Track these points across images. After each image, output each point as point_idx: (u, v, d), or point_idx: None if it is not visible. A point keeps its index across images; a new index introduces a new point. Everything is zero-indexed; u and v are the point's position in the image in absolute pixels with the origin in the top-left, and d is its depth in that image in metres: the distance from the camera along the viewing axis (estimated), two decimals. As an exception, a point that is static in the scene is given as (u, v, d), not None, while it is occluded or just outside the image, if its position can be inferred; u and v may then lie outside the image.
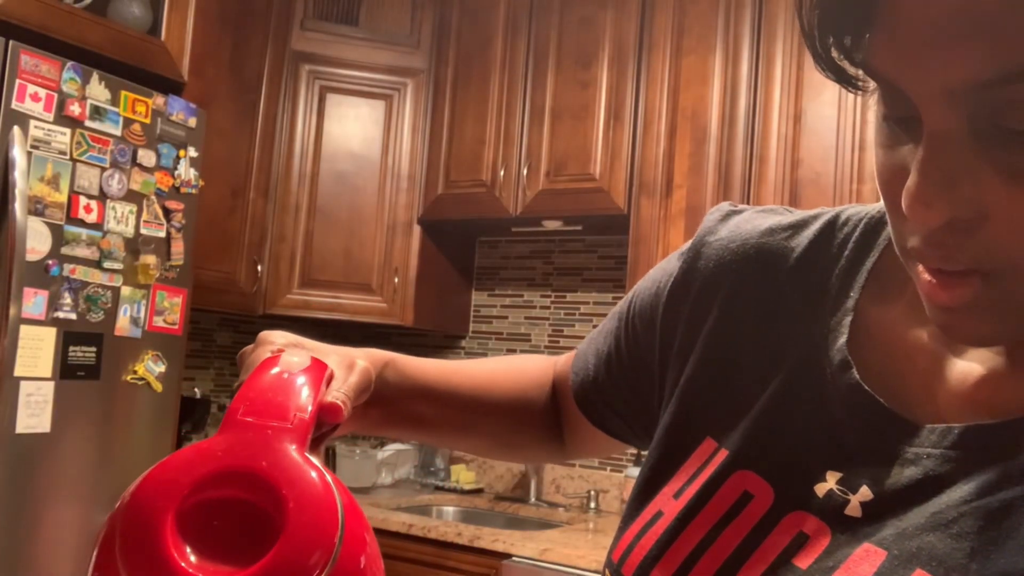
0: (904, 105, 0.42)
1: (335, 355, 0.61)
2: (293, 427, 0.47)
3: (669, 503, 0.57)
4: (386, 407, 0.69)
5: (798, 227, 0.61)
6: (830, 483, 0.50)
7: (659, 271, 0.69)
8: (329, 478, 0.45)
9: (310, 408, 0.50)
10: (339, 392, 0.56)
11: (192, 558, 0.42)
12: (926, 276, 0.44)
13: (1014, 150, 0.39)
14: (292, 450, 0.46)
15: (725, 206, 0.67)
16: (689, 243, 0.66)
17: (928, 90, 0.40)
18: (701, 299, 0.62)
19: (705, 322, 0.61)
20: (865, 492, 0.49)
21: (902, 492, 0.48)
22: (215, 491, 0.44)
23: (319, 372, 0.54)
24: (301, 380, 0.52)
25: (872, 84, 0.44)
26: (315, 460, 0.46)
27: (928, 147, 0.41)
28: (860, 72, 0.44)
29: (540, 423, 0.79)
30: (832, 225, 0.59)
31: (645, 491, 0.59)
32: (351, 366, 0.60)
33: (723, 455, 0.56)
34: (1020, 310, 0.43)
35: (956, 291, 0.43)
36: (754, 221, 0.63)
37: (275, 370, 0.53)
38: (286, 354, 0.55)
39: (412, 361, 0.72)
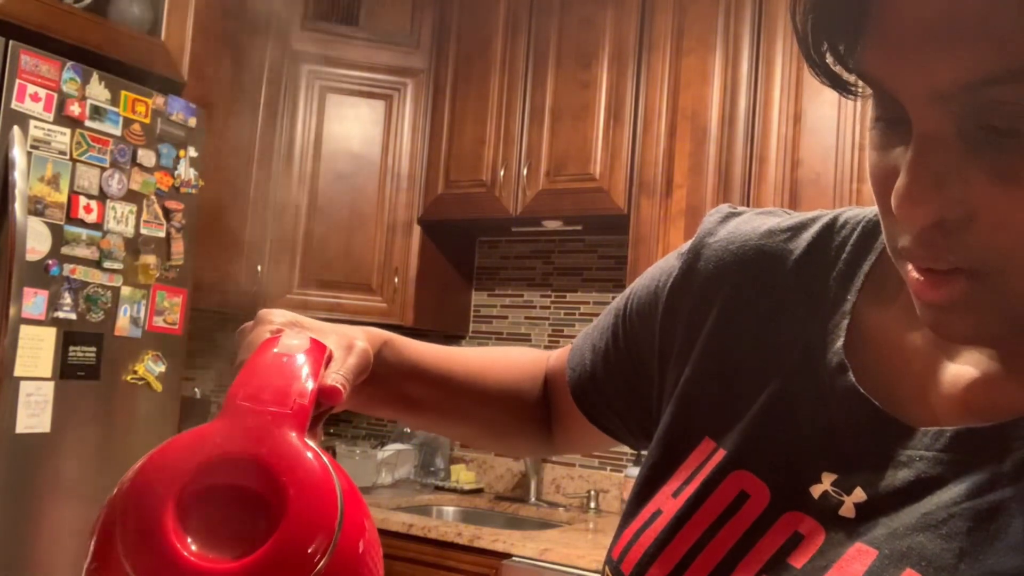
0: (895, 108, 0.43)
1: (334, 335, 0.60)
2: (292, 412, 0.47)
3: (668, 502, 0.57)
4: (380, 386, 0.68)
5: (797, 229, 0.61)
6: (825, 484, 0.51)
7: (657, 269, 0.69)
8: (328, 464, 0.46)
9: (309, 392, 0.50)
10: (338, 375, 0.56)
11: (193, 546, 0.42)
12: (915, 274, 0.45)
13: (1001, 151, 0.40)
14: (291, 436, 0.46)
15: (725, 208, 0.68)
16: (689, 243, 0.67)
17: (916, 92, 0.41)
18: (701, 300, 0.63)
19: (704, 323, 0.62)
20: (859, 493, 0.50)
21: (895, 493, 0.48)
22: (214, 477, 0.44)
23: (319, 354, 0.54)
24: (300, 363, 0.52)
25: (867, 89, 0.45)
26: (314, 445, 0.46)
27: (917, 148, 0.42)
28: (854, 77, 0.45)
29: (530, 415, 0.80)
30: (830, 228, 0.60)
31: (645, 490, 0.60)
32: (350, 347, 0.60)
33: (721, 455, 0.56)
34: (1007, 309, 0.43)
35: (943, 289, 0.44)
36: (753, 223, 0.64)
37: (274, 351, 0.52)
38: (285, 336, 0.55)
39: (410, 343, 0.72)
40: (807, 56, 0.46)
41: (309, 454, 0.45)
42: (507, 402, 0.78)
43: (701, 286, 0.63)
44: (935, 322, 0.45)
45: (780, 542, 0.51)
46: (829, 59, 0.45)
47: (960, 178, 0.41)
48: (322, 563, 0.42)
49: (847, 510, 0.50)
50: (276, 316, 0.61)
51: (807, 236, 0.60)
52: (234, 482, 0.44)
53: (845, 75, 0.46)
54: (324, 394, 0.53)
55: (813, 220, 0.61)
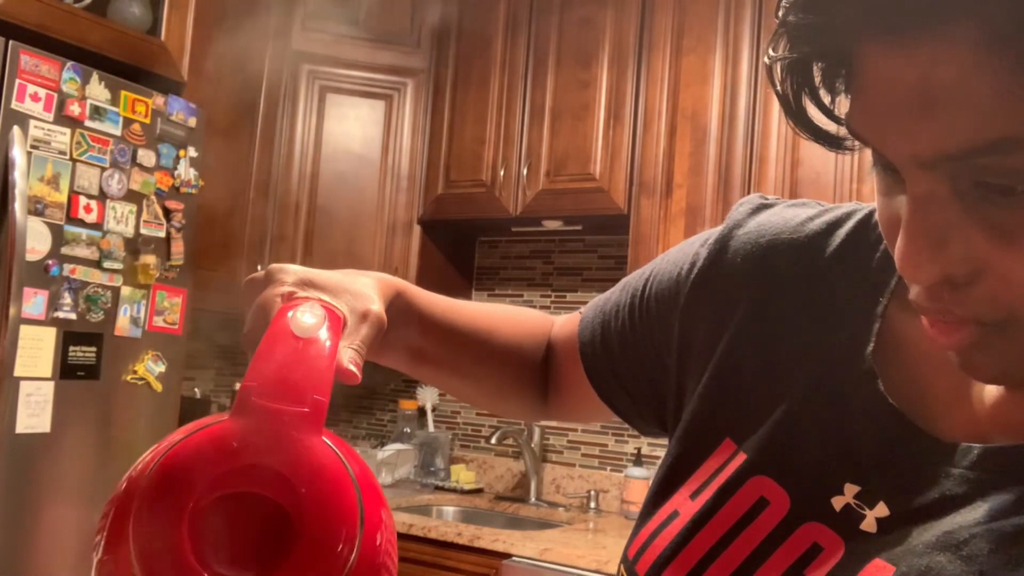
0: (888, 162, 0.42)
1: (348, 295, 0.57)
2: (311, 411, 0.46)
3: (686, 503, 0.56)
4: (386, 335, 0.65)
5: (831, 225, 0.59)
6: (848, 497, 0.50)
7: (681, 255, 0.67)
8: (345, 462, 0.45)
9: (327, 384, 0.48)
10: (352, 350, 0.53)
11: (210, 561, 0.42)
12: (927, 321, 0.44)
13: (998, 208, 0.39)
14: (309, 439, 0.45)
15: (755, 198, 0.65)
16: (717, 233, 0.64)
17: (903, 159, 0.40)
18: (726, 296, 0.61)
19: (730, 321, 0.60)
20: (882, 508, 0.49)
21: (918, 510, 0.47)
22: (231, 486, 0.43)
23: (335, 332, 0.52)
24: (316, 350, 0.49)
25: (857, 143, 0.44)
26: (330, 442, 0.45)
27: (912, 209, 0.41)
28: (840, 131, 0.44)
29: (529, 378, 0.78)
30: (865, 224, 0.58)
31: (663, 489, 0.59)
32: (365, 315, 0.57)
33: (742, 458, 0.55)
34: None
35: (956, 336, 0.43)
36: (785, 215, 0.62)
37: (289, 327, 0.50)
38: (300, 312, 0.51)
39: (421, 294, 0.70)
40: (787, 109, 0.45)
41: (327, 460, 0.44)
42: (509, 363, 0.77)
43: (727, 281, 0.61)
44: (961, 363, 0.44)
45: (798, 553, 0.50)
46: (812, 112, 0.45)
47: (960, 236, 0.40)
48: (344, 572, 0.42)
49: (869, 524, 0.49)
50: (287, 276, 0.57)
51: (841, 233, 0.58)
52: (251, 490, 0.43)
53: (834, 129, 0.45)
54: (340, 376, 0.51)
55: (848, 215, 0.59)
